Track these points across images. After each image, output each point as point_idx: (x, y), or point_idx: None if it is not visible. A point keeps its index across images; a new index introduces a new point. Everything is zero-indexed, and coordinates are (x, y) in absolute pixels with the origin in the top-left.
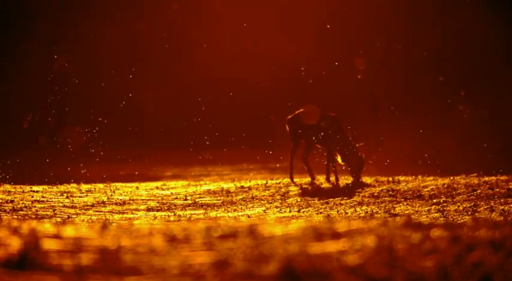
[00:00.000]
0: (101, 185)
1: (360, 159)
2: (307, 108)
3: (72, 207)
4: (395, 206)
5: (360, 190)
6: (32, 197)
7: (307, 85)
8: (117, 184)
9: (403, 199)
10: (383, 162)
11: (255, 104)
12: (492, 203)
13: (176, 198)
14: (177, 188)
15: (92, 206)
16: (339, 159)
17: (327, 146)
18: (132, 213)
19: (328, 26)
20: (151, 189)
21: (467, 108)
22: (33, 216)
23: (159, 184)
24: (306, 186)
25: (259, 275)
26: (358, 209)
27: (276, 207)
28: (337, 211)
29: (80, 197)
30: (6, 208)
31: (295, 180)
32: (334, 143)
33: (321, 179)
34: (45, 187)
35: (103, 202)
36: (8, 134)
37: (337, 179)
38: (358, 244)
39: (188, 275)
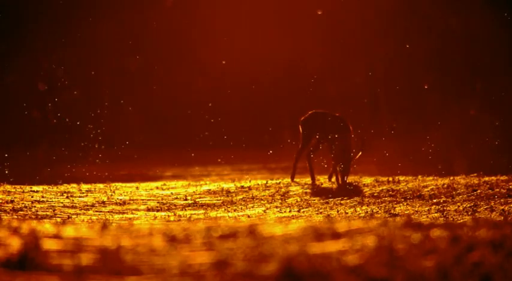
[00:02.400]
0: (101, 185)
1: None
2: (319, 109)
3: (72, 207)
4: (395, 206)
5: (360, 190)
6: (32, 197)
7: (307, 85)
8: (117, 184)
9: (403, 199)
10: (383, 162)
11: (255, 104)
12: (492, 203)
13: (176, 198)
14: (177, 188)
15: (92, 206)
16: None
17: (336, 146)
18: (132, 213)
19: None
20: (151, 189)
21: (468, 108)
22: (33, 216)
23: (159, 184)
24: (306, 186)
25: (259, 275)
26: (358, 209)
27: (276, 207)
28: (337, 211)
29: (80, 197)
30: (6, 208)
31: (295, 180)
32: (343, 144)
33: (321, 179)
34: (45, 187)
35: (103, 202)
36: (8, 134)
37: (337, 180)
38: (358, 244)
39: (188, 275)
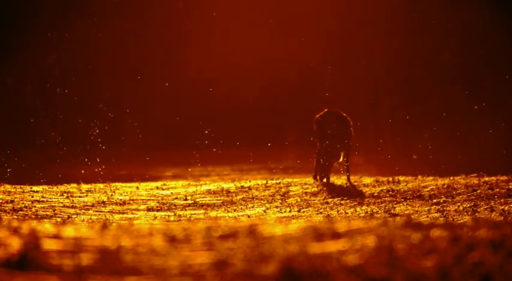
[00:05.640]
0: (101, 185)
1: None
2: (331, 108)
3: (72, 207)
4: (395, 206)
5: (360, 190)
6: (32, 197)
7: (308, 85)
8: (117, 184)
9: (403, 199)
10: (383, 162)
11: (255, 104)
12: (492, 203)
13: (176, 198)
14: (177, 188)
15: (92, 206)
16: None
17: (343, 145)
18: (132, 213)
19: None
20: (151, 189)
21: (468, 108)
22: (33, 216)
23: (159, 184)
24: (306, 186)
25: (259, 275)
26: (358, 209)
27: (276, 207)
28: (337, 211)
29: (80, 197)
30: (6, 208)
31: (295, 180)
32: (347, 143)
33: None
34: (45, 187)
35: (103, 202)
36: (8, 134)
37: (348, 180)
38: (358, 244)
39: (188, 275)
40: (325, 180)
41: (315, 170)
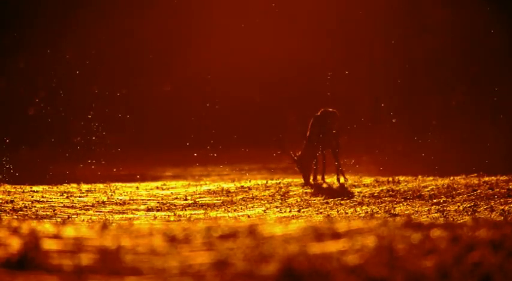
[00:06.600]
0: (101, 185)
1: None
2: (327, 108)
3: (72, 207)
4: (395, 206)
5: (360, 190)
6: (32, 197)
7: (308, 85)
8: (117, 184)
9: (403, 199)
10: (383, 162)
11: (255, 104)
12: (492, 203)
13: (176, 198)
14: (177, 188)
15: (92, 206)
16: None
17: (329, 144)
18: (132, 213)
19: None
20: (151, 189)
21: (468, 108)
22: (33, 216)
23: (159, 184)
24: (306, 186)
25: (259, 275)
26: (358, 209)
27: (276, 207)
28: (337, 211)
29: (80, 197)
30: (6, 208)
31: (295, 180)
32: (334, 141)
33: (329, 180)
34: (45, 187)
35: (103, 202)
36: (8, 134)
37: (345, 179)
38: (358, 244)
39: (188, 275)
40: (311, 180)
41: (304, 175)
